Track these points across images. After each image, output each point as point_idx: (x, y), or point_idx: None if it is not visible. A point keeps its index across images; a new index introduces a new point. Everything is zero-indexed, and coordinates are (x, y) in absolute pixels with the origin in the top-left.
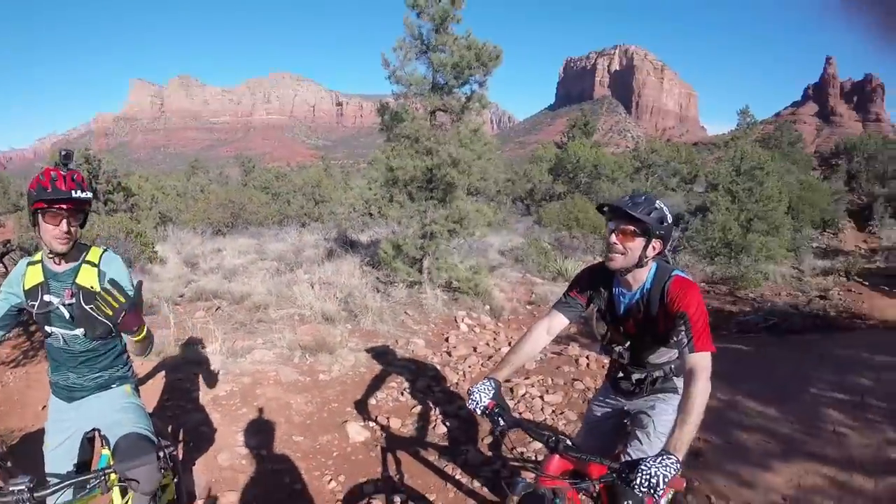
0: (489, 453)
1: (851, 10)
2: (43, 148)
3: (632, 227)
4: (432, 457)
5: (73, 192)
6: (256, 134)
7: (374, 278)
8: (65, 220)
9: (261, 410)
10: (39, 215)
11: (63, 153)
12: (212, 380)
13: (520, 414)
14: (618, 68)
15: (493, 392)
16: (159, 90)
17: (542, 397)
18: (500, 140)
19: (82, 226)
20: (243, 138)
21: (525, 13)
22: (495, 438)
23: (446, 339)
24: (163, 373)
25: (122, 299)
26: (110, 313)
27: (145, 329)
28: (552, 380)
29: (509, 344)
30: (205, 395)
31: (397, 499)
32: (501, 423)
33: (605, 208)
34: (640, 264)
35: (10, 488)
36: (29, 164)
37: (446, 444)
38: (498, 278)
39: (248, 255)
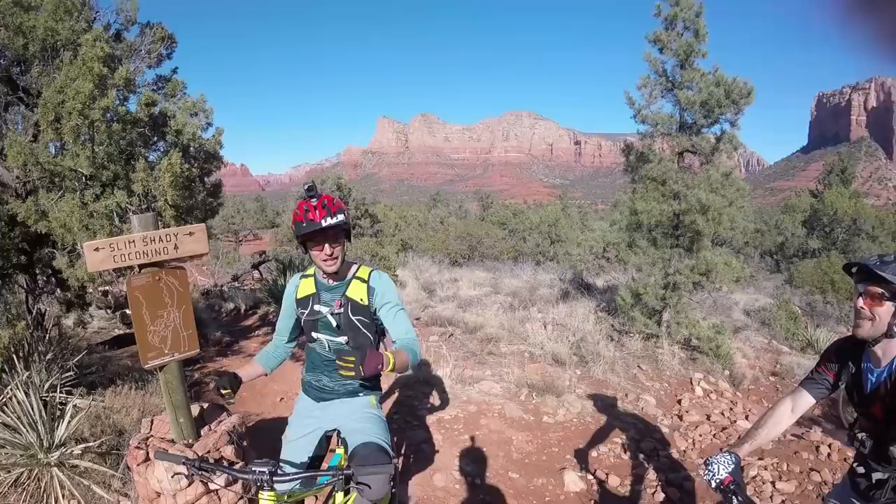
0: None
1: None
2: (297, 174)
3: (880, 290)
4: None
5: (323, 220)
6: (495, 171)
7: (608, 325)
8: (326, 245)
9: (482, 440)
10: (306, 244)
11: (306, 187)
12: (439, 402)
13: None
14: (874, 105)
15: (732, 467)
16: (403, 127)
17: (773, 483)
18: (749, 185)
19: (348, 239)
20: (482, 174)
21: (771, 43)
22: None
23: (679, 402)
24: (397, 388)
25: (351, 357)
26: (353, 374)
27: (392, 363)
28: (787, 465)
29: (746, 417)
30: (431, 416)
31: None
32: (735, 502)
33: (854, 269)
34: (889, 334)
35: (254, 468)
36: (285, 187)
37: None
38: (741, 341)
39: (482, 287)
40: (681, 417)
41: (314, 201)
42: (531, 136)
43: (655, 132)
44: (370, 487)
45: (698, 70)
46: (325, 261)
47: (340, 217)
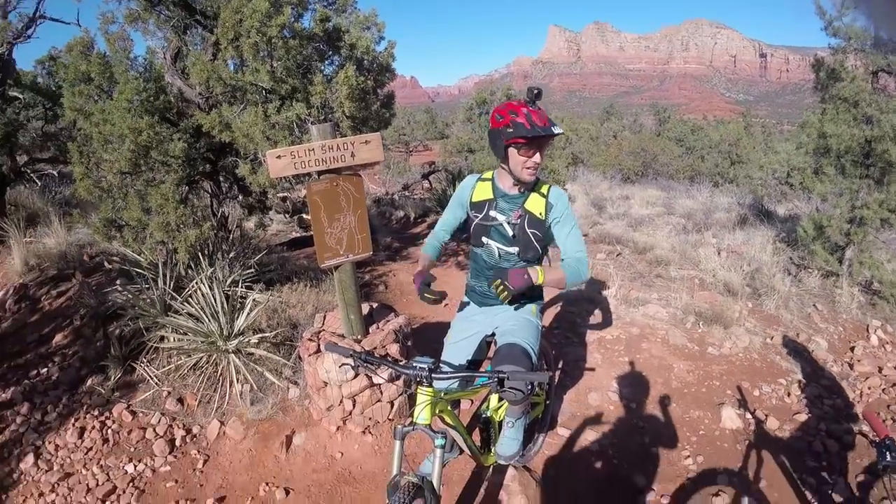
0: (856, 493)
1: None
2: (466, 86)
3: None
4: (798, 473)
5: (552, 128)
6: (673, 83)
7: (786, 258)
8: (537, 153)
9: (641, 364)
10: (512, 148)
11: (536, 91)
12: (602, 321)
13: None
14: None
15: None
16: (575, 36)
17: None
18: None
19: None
20: (659, 87)
21: None
22: (868, 477)
23: (851, 349)
24: (560, 302)
25: (497, 281)
26: (505, 294)
27: (541, 276)
28: None
29: None
30: (591, 334)
31: (746, 501)
32: (889, 458)
33: None
34: None
35: (415, 364)
36: (454, 99)
37: (817, 465)
38: None
39: (655, 206)
40: (851, 366)
41: (534, 107)
42: (712, 46)
43: (848, 47)
44: (514, 392)
45: None
46: (529, 168)
47: (560, 129)
